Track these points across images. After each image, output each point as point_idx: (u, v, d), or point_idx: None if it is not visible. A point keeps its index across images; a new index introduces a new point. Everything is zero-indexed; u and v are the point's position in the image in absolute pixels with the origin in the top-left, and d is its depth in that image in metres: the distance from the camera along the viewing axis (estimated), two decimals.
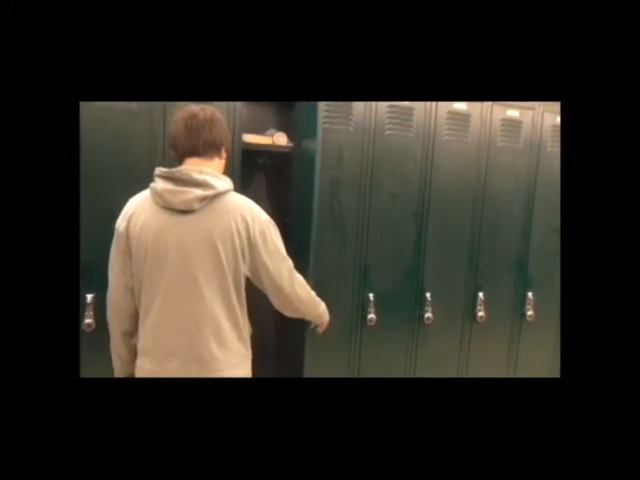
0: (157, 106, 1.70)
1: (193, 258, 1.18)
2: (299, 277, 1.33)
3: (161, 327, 1.21)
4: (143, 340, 1.25)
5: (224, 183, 1.24)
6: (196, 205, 1.19)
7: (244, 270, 1.24)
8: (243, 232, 1.21)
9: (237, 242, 1.20)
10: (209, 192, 1.19)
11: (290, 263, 1.30)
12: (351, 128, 1.94)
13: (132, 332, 1.29)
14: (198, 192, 1.18)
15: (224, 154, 1.32)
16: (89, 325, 1.66)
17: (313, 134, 1.67)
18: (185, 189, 1.18)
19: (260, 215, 1.26)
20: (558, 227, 2.21)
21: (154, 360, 1.22)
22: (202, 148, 1.24)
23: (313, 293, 1.38)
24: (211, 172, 1.23)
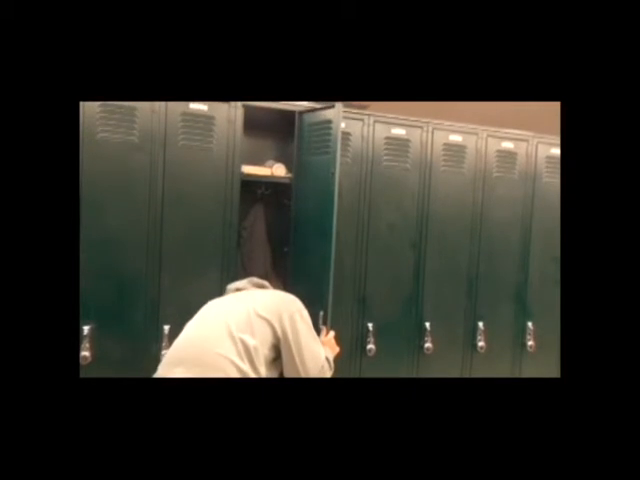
0: (158, 139, 1.73)
1: (230, 309, 1.30)
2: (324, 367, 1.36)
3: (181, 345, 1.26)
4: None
5: (266, 284, 1.46)
6: (248, 286, 1.43)
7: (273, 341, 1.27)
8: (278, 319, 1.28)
9: (274, 320, 1.27)
10: (261, 282, 1.44)
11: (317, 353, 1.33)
12: (349, 159, 1.97)
13: None
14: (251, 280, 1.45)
15: None
16: (85, 358, 1.63)
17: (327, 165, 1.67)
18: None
19: (298, 306, 1.35)
20: (556, 256, 2.22)
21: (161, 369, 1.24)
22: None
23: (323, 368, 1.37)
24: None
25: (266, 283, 1.46)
